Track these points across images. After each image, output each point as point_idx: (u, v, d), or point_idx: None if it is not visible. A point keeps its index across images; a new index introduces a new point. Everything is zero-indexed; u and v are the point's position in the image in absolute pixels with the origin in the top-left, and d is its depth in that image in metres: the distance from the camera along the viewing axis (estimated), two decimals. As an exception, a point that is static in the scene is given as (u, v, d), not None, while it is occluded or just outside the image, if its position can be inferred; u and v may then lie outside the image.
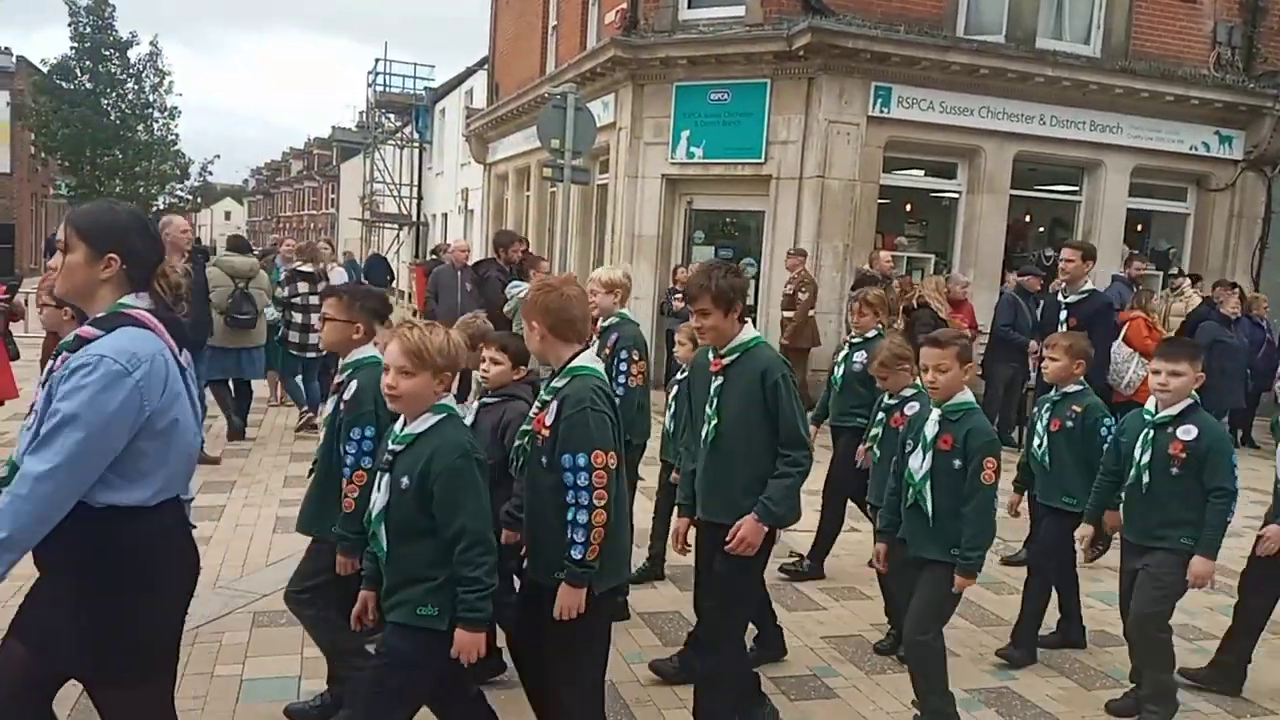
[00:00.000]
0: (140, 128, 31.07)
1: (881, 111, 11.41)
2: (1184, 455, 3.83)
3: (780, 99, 11.49)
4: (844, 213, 11.34)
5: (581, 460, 2.83)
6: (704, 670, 3.63)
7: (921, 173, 12.61)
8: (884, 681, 4.29)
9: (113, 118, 29.98)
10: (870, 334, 5.44)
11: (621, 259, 12.56)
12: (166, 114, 31.72)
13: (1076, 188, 13.00)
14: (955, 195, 12.43)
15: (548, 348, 3.05)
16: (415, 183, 31.34)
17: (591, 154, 12.26)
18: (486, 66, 22.10)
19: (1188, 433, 3.86)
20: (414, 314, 19.26)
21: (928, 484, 3.67)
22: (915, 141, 11.80)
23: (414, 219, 31.10)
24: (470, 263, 10.31)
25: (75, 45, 29.37)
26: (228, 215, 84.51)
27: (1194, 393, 3.92)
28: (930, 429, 3.71)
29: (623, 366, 4.63)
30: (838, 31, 10.95)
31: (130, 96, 30.68)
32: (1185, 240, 13.58)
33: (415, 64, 31.53)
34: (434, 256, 16.76)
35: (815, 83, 11.26)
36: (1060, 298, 6.39)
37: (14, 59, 33.93)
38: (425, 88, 30.71)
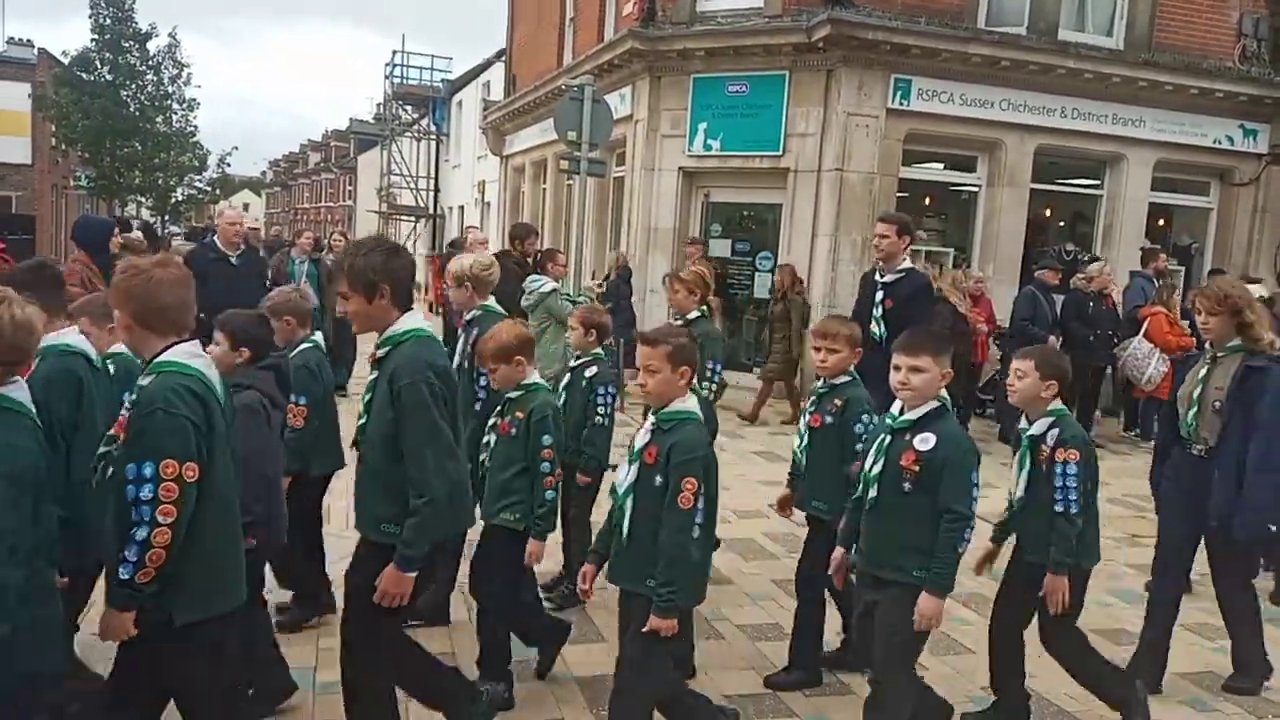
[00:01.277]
0: (159, 119, 31.22)
1: (901, 104, 11.32)
2: (917, 468, 3.19)
3: (799, 91, 11.41)
4: (862, 206, 11.27)
5: (148, 470, 2.45)
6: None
7: (941, 166, 12.51)
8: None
9: (132, 109, 30.13)
10: (692, 315, 5.05)
11: (637, 251, 12.53)
12: (185, 106, 31.86)
13: (1098, 181, 12.87)
14: (975, 189, 12.33)
15: (136, 340, 2.68)
16: (432, 175, 31.38)
17: (608, 146, 12.23)
18: (504, 59, 22.08)
19: (924, 442, 3.21)
20: (430, 306, 19.29)
21: (629, 500, 3.15)
22: (935, 134, 11.71)
23: (430, 211, 31.15)
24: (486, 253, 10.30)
25: (95, 37, 29.52)
26: (246, 207, 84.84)
27: (943, 394, 3.36)
28: (640, 438, 3.21)
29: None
30: (857, 23, 10.86)
31: (149, 88, 30.82)
32: (1208, 235, 13.42)
33: (433, 56, 31.61)
34: (452, 249, 16.76)
35: (834, 75, 11.18)
36: (876, 277, 5.70)
37: (35, 51, 34.16)
38: (442, 80, 30.74)
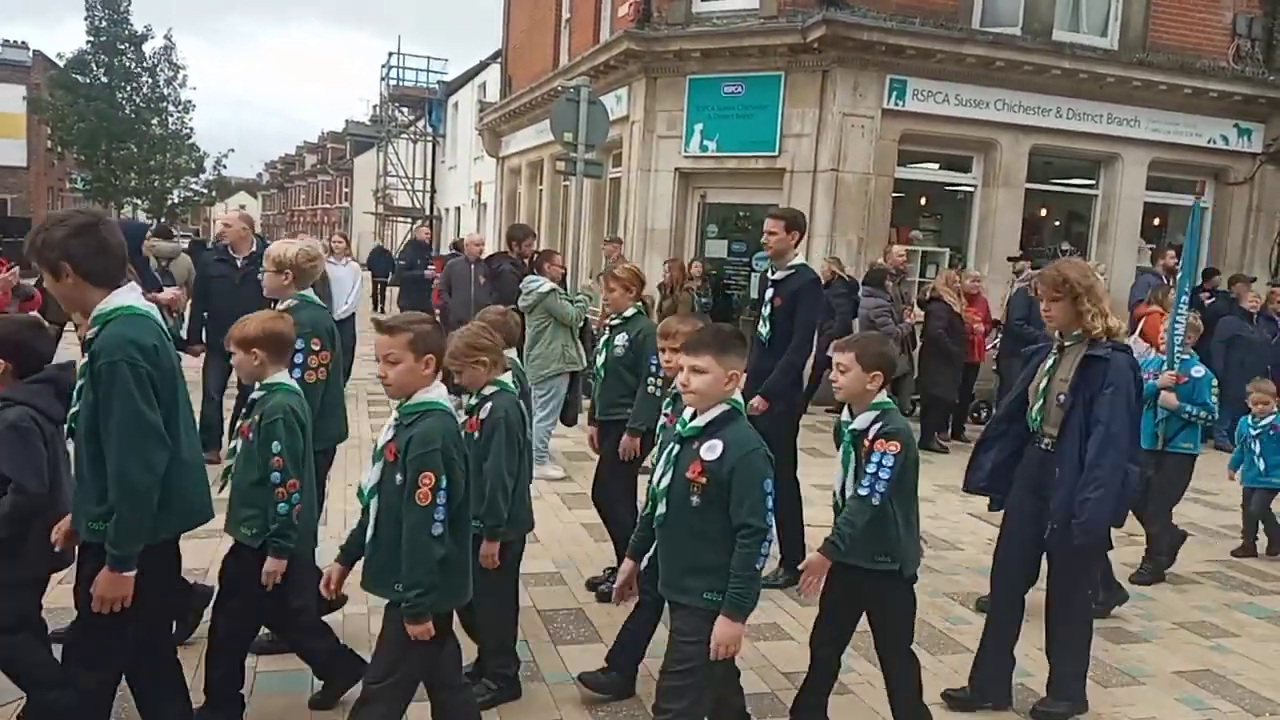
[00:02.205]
0: (155, 121, 31.22)
1: (896, 104, 11.34)
2: (704, 480, 2.87)
3: (794, 92, 11.43)
4: (858, 206, 11.29)
5: None
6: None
7: (936, 166, 12.54)
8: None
9: (128, 111, 30.12)
10: (629, 312, 4.93)
11: (633, 253, 12.54)
12: (181, 108, 31.85)
13: (1093, 181, 12.90)
14: (970, 189, 12.36)
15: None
16: (428, 176, 31.38)
17: (604, 147, 12.23)
18: (500, 60, 22.10)
19: (711, 450, 2.88)
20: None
21: (373, 501, 2.98)
22: (930, 134, 11.73)
23: (427, 213, 31.16)
24: (483, 256, 10.31)
25: (91, 39, 29.50)
26: (242, 208, 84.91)
27: (736, 397, 2.98)
28: (385, 433, 3.01)
29: (298, 358, 3.93)
30: (852, 24, 10.88)
31: (145, 90, 30.81)
32: (1203, 234, 13.44)
33: (429, 58, 31.67)
34: (454, 251, 16.71)
35: (830, 75, 11.20)
36: (769, 275, 5.48)
37: (30, 53, 34.14)
38: (438, 81, 30.76)
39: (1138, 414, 3.72)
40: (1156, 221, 13.47)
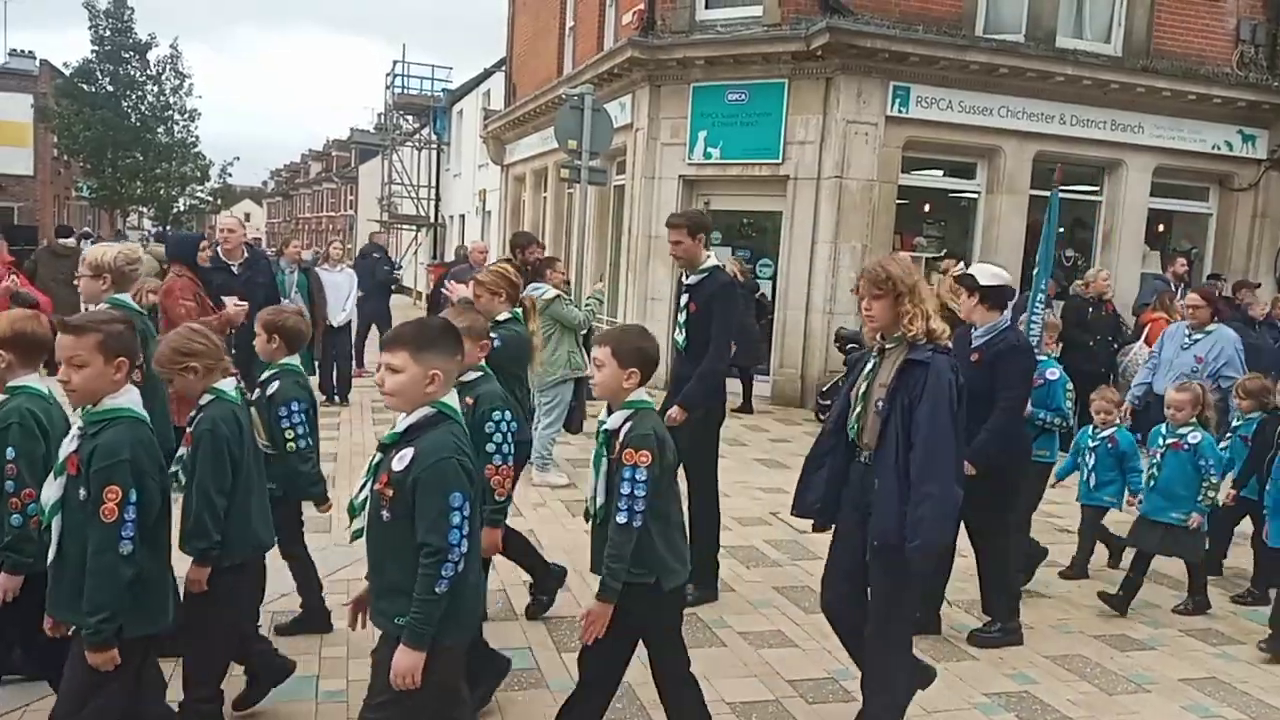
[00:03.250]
0: (160, 130, 31.35)
1: (900, 111, 11.35)
2: (390, 492, 2.63)
3: (798, 99, 11.45)
4: (862, 213, 11.29)
5: None
6: None
7: (940, 173, 12.54)
8: (903, 685, 4.26)
9: (133, 120, 30.25)
10: (503, 317, 4.53)
11: (637, 260, 12.56)
12: (186, 116, 31.98)
13: (1097, 188, 12.90)
14: (974, 195, 12.35)
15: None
16: (433, 184, 31.44)
17: (608, 155, 12.26)
18: (504, 68, 22.15)
19: (400, 460, 2.63)
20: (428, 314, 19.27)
21: (56, 519, 2.76)
22: (934, 141, 11.74)
23: (431, 220, 31.21)
24: (487, 263, 10.34)
25: (96, 48, 29.64)
26: (247, 217, 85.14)
27: (442, 403, 2.71)
28: (66, 444, 2.82)
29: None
30: (856, 31, 10.90)
31: (150, 99, 30.94)
32: (1207, 240, 13.45)
33: (433, 66, 31.70)
34: (459, 261, 16.73)
35: (833, 83, 11.22)
36: (683, 279, 5.22)
37: (37, 62, 34.28)
38: (443, 89, 30.80)
39: (961, 421, 3.36)
40: (1161, 228, 13.46)
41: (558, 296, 7.31)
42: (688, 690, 3.27)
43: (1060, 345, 6.35)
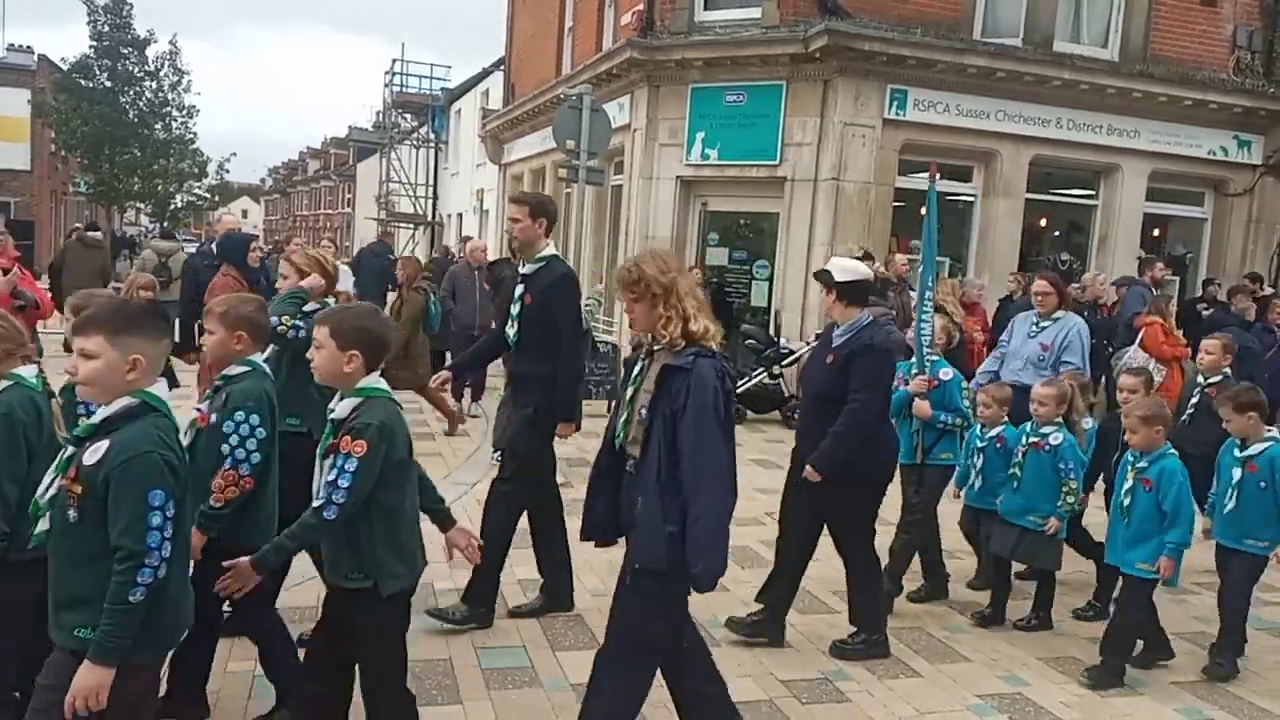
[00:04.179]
0: (158, 126, 31.25)
1: (897, 114, 11.38)
2: (79, 489, 2.41)
3: (796, 101, 11.47)
4: (859, 215, 11.32)
5: None
6: None
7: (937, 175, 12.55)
8: (895, 686, 4.28)
9: (131, 116, 30.15)
10: (310, 307, 4.28)
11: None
12: (185, 112, 31.89)
13: (1093, 192, 12.94)
14: (971, 198, 12.39)
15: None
16: (431, 183, 31.44)
17: (606, 155, 12.27)
18: (503, 67, 22.16)
19: (93, 453, 2.41)
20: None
21: None
22: (931, 144, 11.74)
23: (429, 219, 31.20)
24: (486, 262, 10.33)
25: (94, 44, 29.56)
26: (245, 214, 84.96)
27: (146, 393, 2.47)
28: None
29: None
30: (854, 34, 10.93)
31: (149, 95, 30.85)
32: (1203, 245, 13.49)
33: (432, 64, 31.69)
34: (444, 256, 16.72)
35: (831, 85, 11.24)
36: (519, 269, 4.88)
37: (35, 57, 34.20)
38: (441, 88, 30.81)
39: (728, 429, 3.03)
40: (1156, 232, 13.51)
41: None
42: (409, 707, 3.10)
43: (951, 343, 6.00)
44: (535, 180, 18.71)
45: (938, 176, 6.34)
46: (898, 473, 4.99)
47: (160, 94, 31.07)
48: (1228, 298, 10.78)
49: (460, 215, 27.82)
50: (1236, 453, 4.66)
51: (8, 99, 32.21)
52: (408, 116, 33.72)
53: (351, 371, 2.88)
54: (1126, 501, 4.50)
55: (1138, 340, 9.42)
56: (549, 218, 4.78)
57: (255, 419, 3.23)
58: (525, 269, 4.74)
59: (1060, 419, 5.00)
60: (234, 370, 3.33)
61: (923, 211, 6.05)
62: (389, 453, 2.83)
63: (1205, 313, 10.90)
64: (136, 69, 30.41)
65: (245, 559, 2.88)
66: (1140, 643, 4.62)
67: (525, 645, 4.43)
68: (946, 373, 5.28)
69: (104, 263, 12.52)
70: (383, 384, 2.95)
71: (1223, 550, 4.75)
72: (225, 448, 3.20)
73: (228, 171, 36.24)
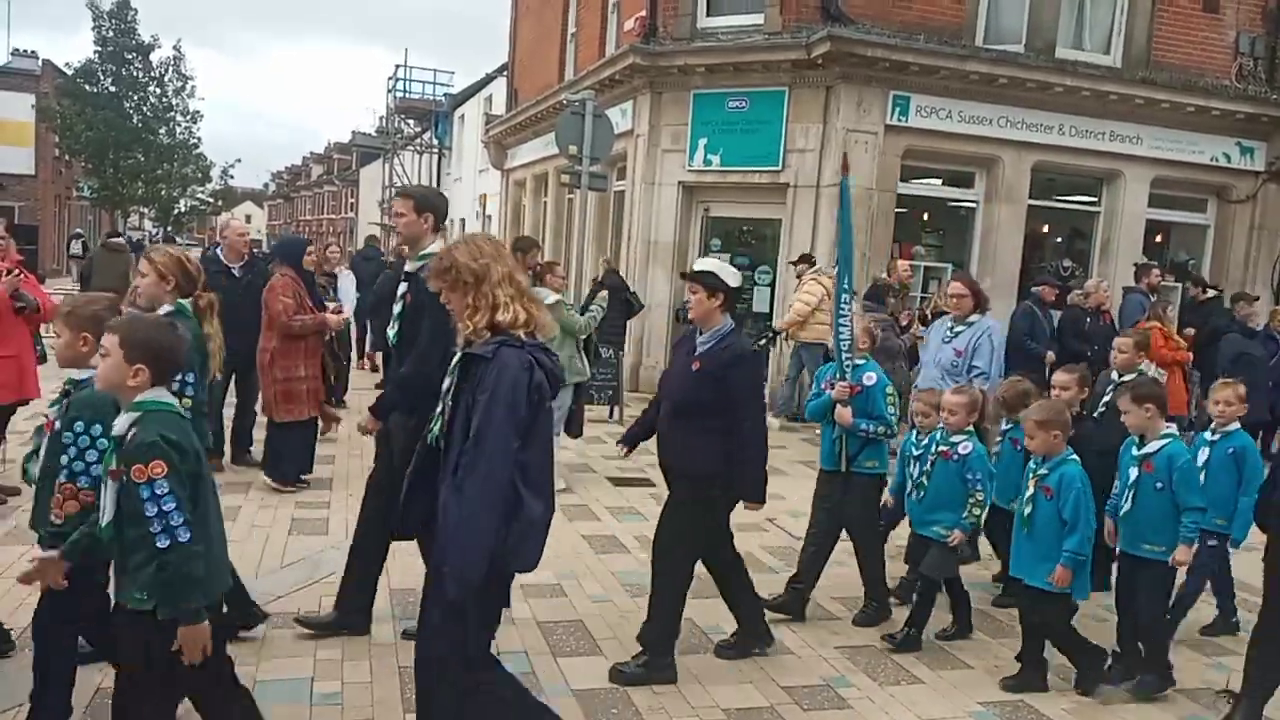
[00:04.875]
0: (162, 131, 31.36)
1: (900, 120, 11.39)
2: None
3: (798, 107, 11.48)
4: (861, 221, 11.29)
5: None
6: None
7: (939, 182, 12.58)
8: (897, 693, 4.27)
9: (135, 121, 30.26)
10: (165, 309, 3.97)
11: (637, 265, 12.58)
12: (188, 117, 32.00)
13: (1095, 198, 12.93)
14: (973, 205, 12.39)
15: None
16: (434, 188, 31.52)
17: (609, 161, 12.29)
18: (506, 73, 22.20)
19: None
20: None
21: None
22: (933, 150, 11.77)
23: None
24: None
25: (99, 49, 29.68)
26: (248, 218, 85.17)
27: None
28: None
29: None
30: (856, 40, 10.94)
31: (153, 100, 30.96)
32: (1205, 252, 13.48)
33: (435, 70, 31.89)
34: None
35: (833, 91, 11.25)
36: (403, 267, 4.68)
37: (39, 62, 34.31)
38: (444, 94, 30.92)
39: (530, 424, 2.82)
40: (1159, 239, 13.50)
41: (558, 302, 7.33)
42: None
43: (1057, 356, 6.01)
44: (538, 186, 18.74)
45: (849, 171, 6.20)
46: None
47: (164, 99, 31.22)
48: (1230, 304, 10.77)
49: (463, 221, 27.86)
50: (1135, 451, 4.41)
51: (12, 104, 32.31)
52: (411, 122, 33.82)
53: (135, 385, 2.70)
54: (1028, 510, 4.32)
55: (1140, 347, 9.42)
56: (436, 213, 4.53)
57: (96, 429, 3.00)
58: (409, 266, 4.46)
59: (971, 428, 4.77)
60: (81, 375, 3.14)
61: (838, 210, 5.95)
62: (183, 465, 2.67)
63: (1202, 299, 10.91)
64: (140, 74, 30.54)
65: (53, 552, 2.86)
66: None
67: (526, 651, 4.43)
68: (871, 377, 4.96)
69: (127, 266, 13.39)
70: (165, 397, 2.76)
71: (1124, 557, 4.52)
72: (64, 458, 3.03)
73: (232, 177, 36.36)
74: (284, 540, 5.82)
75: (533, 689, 4.06)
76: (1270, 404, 9.99)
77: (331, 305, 7.71)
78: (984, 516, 4.75)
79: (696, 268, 4.30)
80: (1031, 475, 4.36)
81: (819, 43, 10.87)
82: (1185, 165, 12.68)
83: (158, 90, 31.04)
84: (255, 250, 8.94)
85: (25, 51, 35.16)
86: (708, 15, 12.42)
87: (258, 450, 7.57)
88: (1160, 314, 9.85)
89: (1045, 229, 13.28)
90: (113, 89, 29.83)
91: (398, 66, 32.10)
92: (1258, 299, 11.15)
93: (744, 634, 4.57)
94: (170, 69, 31.09)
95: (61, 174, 35.44)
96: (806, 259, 10.78)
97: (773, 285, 12.09)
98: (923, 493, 4.80)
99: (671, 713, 3.94)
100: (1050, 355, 9.15)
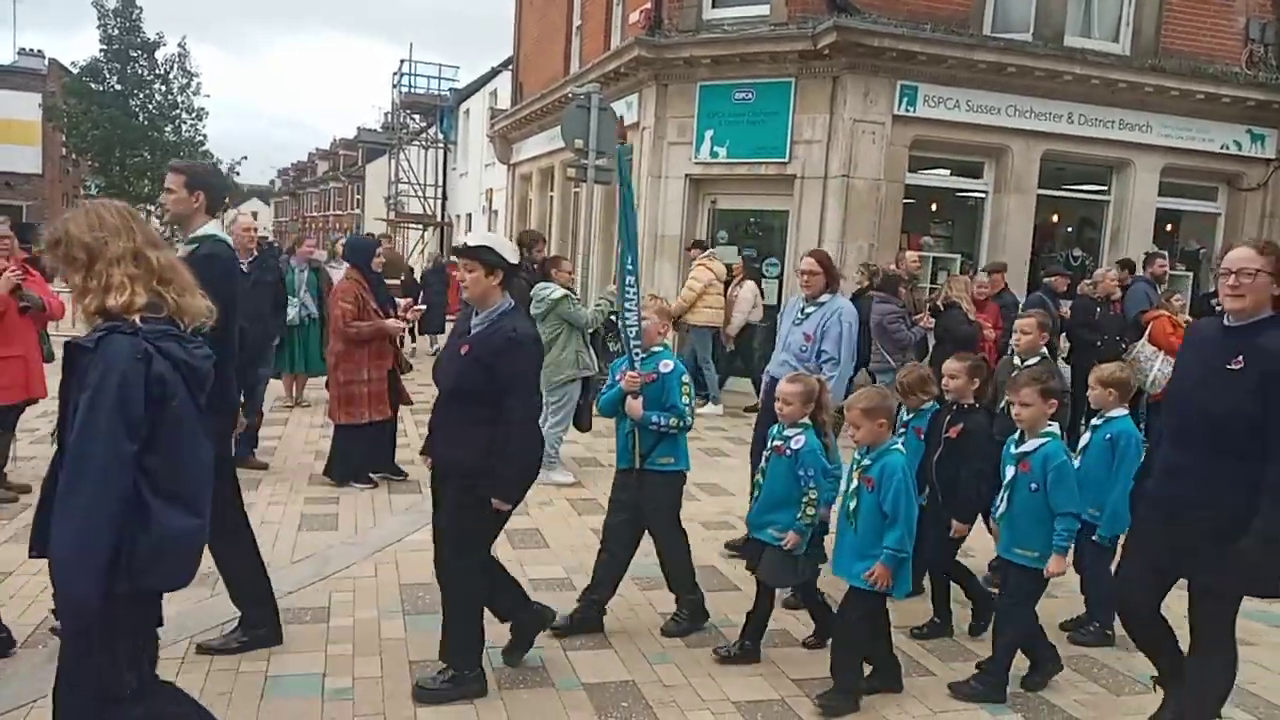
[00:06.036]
0: (168, 128, 31.42)
1: (907, 110, 11.33)
2: None
3: (805, 98, 11.44)
4: (869, 212, 11.28)
5: None
6: None
7: (947, 172, 12.52)
8: (910, 685, 4.25)
9: (141, 119, 30.33)
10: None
11: (644, 259, 12.55)
12: (194, 115, 32.05)
13: (1105, 187, 12.86)
14: (982, 195, 12.33)
15: None
16: (440, 183, 31.49)
17: (615, 154, 12.25)
18: (511, 67, 22.17)
19: None
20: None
21: None
22: (941, 140, 11.71)
23: (438, 219, 31.26)
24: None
25: (104, 48, 29.74)
26: (255, 216, 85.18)
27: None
28: None
29: None
30: (863, 30, 10.88)
31: (158, 98, 31.02)
32: (1216, 240, 13.38)
33: (440, 65, 31.70)
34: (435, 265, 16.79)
35: (840, 82, 11.20)
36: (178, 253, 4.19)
37: (45, 61, 34.42)
38: (450, 88, 30.86)
39: (157, 423, 2.43)
40: (1169, 227, 13.42)
41: (565, 296, 7.32)
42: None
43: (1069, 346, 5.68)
44: (544, 180, 18.72)
45: (627, 138, 5.85)
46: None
47: (170, 97, 31.27)
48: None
49: (469, 216, 27.85)
50: (1013, 449, 4.18)
51: (19, 103, 32.43)
52: (416, 117, 33.76)
53: None
54: (853, 505, 3.98)
55: (1146, 334, 9.38)
56: (209, 191, 4.15)
57: None
58: (180, 252, 3.95)
59: (808, 420, 4.33)
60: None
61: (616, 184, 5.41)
62: None
63: (1219, 308, 10.80)
64: (146, 72, 30.60)
65: None
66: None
67: (537, 645, 4.42)
68: (667, 365, 4.55)
69: None
70: None
71: (1000, 562, 4.32)
72: None
73: (238, 174, 36.39)
74: (294, 536, 5.83)
75: (543, 683, 4.06)
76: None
77: (403, 302, 7.72)
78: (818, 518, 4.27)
79: (470, 242, 3.86)
80: (855, 466, 4.05)
81: (825, 33, 10.81)
82: (1195, 153, 12.60)
83: (163, 88, 31.09)
84: (265, 245, 8.94)
85: (32, 51, 35.28)
86: (713, 6, 12.36)
87: (261, 452, 7.60)
88: (1167, 301, 9.80)
89: (1055, 219, 13.22)
90: (118, 87, 29.90)
91: (402, 61, 32.05)
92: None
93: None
94: (175, 66, 31.13)
95: (68, 173, 35.56)
96: (699, 245, 11.14)
97: (781, 278, 12.05)
98: (758, 492, 4.39)
99: (683, 705, 3.93)
100: (1060, 344, 9.12)
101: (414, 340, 15.67)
